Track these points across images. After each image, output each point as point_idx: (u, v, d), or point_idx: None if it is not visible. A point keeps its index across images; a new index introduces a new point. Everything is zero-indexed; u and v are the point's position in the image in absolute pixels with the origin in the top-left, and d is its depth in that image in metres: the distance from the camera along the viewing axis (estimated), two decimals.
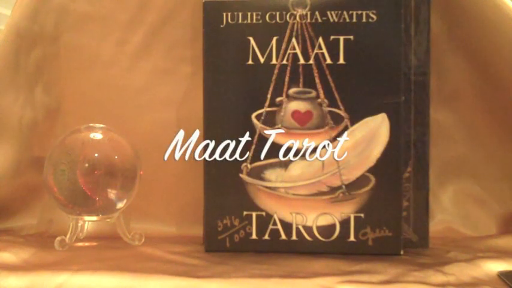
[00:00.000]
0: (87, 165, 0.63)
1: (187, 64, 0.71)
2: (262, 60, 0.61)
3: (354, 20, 0.60)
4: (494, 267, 0.55)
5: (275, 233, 0.62)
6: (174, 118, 0.72)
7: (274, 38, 0.61)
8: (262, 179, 0.62)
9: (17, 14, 0.70)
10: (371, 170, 0.61)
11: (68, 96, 0.73)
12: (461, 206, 0.71)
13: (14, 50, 0.69)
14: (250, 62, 0.61)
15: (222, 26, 0.62)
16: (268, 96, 0.61)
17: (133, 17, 0.71)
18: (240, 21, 0.61)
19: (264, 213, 0.62)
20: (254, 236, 0.62)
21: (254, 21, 0.61)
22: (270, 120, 0.61)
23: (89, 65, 0.72)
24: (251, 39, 0.61)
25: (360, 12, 0.60)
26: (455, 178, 0.72)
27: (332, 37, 0.61)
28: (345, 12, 0.60)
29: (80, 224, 0.65)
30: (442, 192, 0.71)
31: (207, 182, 0.62)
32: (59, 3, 0.71)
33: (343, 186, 0.61)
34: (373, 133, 0.60)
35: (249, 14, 0.61)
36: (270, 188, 0.62)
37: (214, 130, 0.62)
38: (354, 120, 0.61)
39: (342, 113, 0.61)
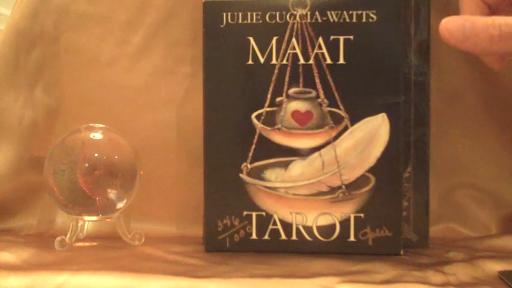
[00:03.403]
0: (87, 165, 0.62)
1: (187, 64, 0.71)
2: (262, 60, 0.61)
3: (354, 20, 0.60)
4: (494, 267, 0.55)
5: (275, 233, 0.62)
6: (174, 118, 0.72)
7: (274, 38, 0.61)
8: (262, 179, 0.62)
9: (17, 14, 0.70)
10: (371, 170, 0.60)
11: (68, 96, 0.73)
12: (461, 206, 0.71)
13: (14, 50, 0.69)
14: (250, 62, 0.61)
15: (222, 26, 0.61)
16: (268, 96, 0.61)
17: (133, 17, 0.71)
18: (240, 21, 0.61)
19: (264, 213, 0.62)
20: (254, 236, 0.62)
21: (254, 21, 0.61)
22: (270, 120, 0.61)
23: (89, 65, 0.72)
24: (251, 39, 0.61)
25: (360, 12, 0.60)
26: (455, 178, 0.72)
27: (332, 37, 0.61)
28: (345, 12, 0.60)
29: (80, 224, 0.65)
30: (442, 192, 0.71)
31: (207, 182, 0.62)
32: (59, 3, 0.71)
33: (343, 186, 0.61)
34: (373, 133, 0.60)
35: (249, 14, 0.61)
36: (270, 188, 0.62)
37: (214, 130, 0.62)
38: (354, 120, 0.61)
39: (342, 113, 0.61)
